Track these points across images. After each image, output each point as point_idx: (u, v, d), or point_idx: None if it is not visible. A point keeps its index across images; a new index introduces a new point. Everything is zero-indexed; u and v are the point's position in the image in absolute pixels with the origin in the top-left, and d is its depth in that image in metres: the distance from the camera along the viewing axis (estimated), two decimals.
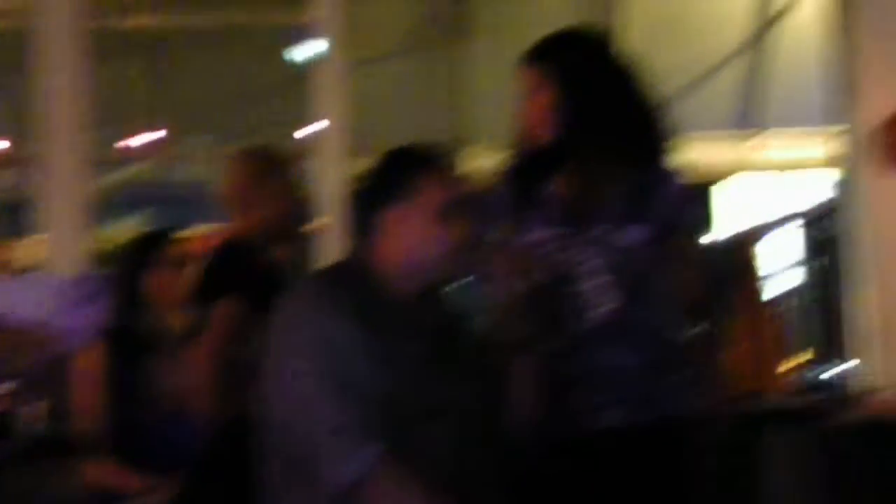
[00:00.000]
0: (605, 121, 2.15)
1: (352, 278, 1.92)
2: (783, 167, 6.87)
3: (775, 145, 6.47)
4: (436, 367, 1.92)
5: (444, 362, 1.94)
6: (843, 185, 4.30)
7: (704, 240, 2.33)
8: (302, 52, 4.45)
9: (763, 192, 7.77)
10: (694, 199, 2.23)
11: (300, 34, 4.36)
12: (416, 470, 1.80)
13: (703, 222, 2.27)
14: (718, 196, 7.76)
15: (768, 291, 5.74)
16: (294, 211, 2.65)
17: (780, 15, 5.87)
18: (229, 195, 2.69)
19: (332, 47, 4.18)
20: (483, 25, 5.77)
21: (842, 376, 4.74)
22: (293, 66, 4.90)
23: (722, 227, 8.07)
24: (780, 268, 8.27)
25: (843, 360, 4.50)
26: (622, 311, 2.14)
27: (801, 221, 8.43)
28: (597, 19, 5.25)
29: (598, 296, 2.15)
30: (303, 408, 1.82)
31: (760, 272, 5.66)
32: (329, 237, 3.93)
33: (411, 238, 1.92)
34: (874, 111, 4.02)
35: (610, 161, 2.16)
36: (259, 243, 2.57)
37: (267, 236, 2.61)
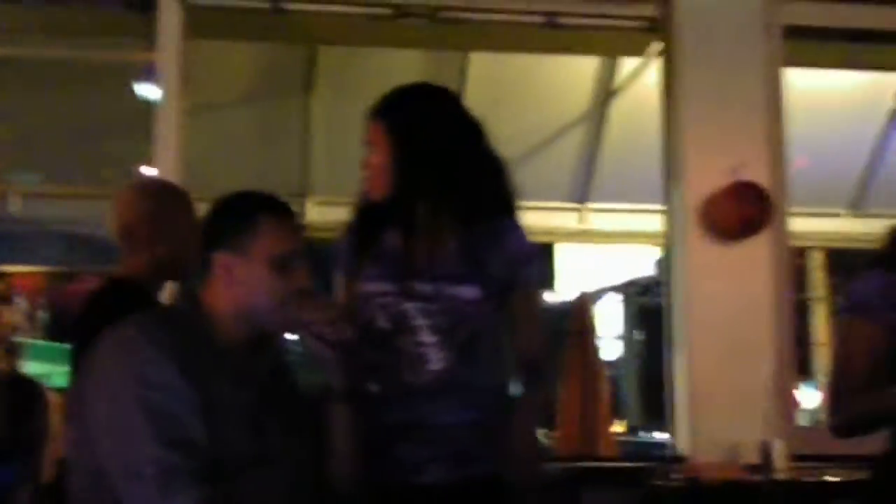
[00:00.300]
0: (438, 177, 2.18)
1: (178, 321, 1.88)
2: (613, 239, 7.08)
3: (606, 218, 6.66)
4: (262, 415, 1.89)
5: (271, 411, 1.91)
6: (665, 260, 4.46)
7: (543, 300, 2.36)
8: (148, 90, 4.36)
9: (592, 262, 8.00)
10: (533, 257, 2.27)
11: (147, 71, 4.27)
12: None
13: (542, 281, 2.31)
14: (550, 262, 7.97)
15: (601, 355, 5.90)
16: (190, 251, 2.48)
17: (618, 90, 6.10)
18: (124, 229, 2.50)
19: (166, 93, 4.11)
20: (329, 79, 5.78)
21: (662, 441, 4.88)
22: (139, 103, 4.79)
23: (553, 292, 8.27)
24: (608, 335, 8.53)
25: (663, 426, 4.64)
26: (452, 369, 2.15)
27: (627, 292, 8.73)
28: (442, 80, 5.35)
29: (428, 352, 2.16)
30: (117, 451, 1.76)
31: (596, 336, 5.82)
32: None
33: (243, 285, 1.89)
34: (695, 190, 4.20)
35: (442, 217, 2.19)
36: (150, 284, 2.43)
37: (159, 277, 2.47)
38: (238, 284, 1.89)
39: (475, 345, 2.17)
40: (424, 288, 2.16)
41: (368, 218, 2.26)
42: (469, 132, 2.25)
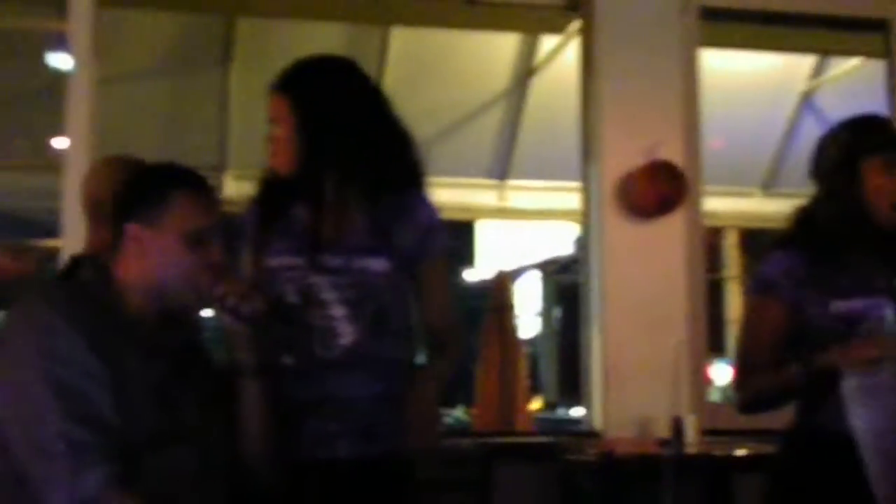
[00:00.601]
0: (343, 150, 2.16)
1: (87, 294, 1.85)
2: (533, 216, 7.12)
3: (526, 195, 6.69)
4: (174, 391, 1.86)
5: (184, 387, 1.89)
6: (583, 238, 4.50)
7: (450, 272, 2.36)
8: (60, 60, 4.24)
9: (512, 240, 8.05)
10: (441, 229, 2.27)
11: (59, 40, 4.16)
12: (146, 497, 1.73)
13: (450, 253, 2.30)
14: (470, 240, 8.00)
15: (519, 333, 5.94)
16: None
17: (538, 68, 6.12)
18: (93, 204, 2.44)
19: (78, 63, 4.01)
20: (248, 51, 5.71)
21: (579, 417, 4.95)
22: (51, 73, 4.68)
23: (473, 270, 8.31)
24: (527, 313, 8.59)
25: (580, 402, 4.70)
26: (361, 342, 2.14)
27: (546, 270, 8.80)
28: (363, 54, 5.32)
29: (338, 326, 2.15)
30: (25, 427, 1.73)
31: (515, 313, 5.86)
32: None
33: (154, 258, 1.87)
34: (612, 169, 4.24)
35: (349, 190, 2.18)
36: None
37: None
38: (149, 258, 1.86)
39: (385, 317, 2.17)
40: (334, 261, 2.16)
41: (274, 192, 2.24)
42: (374, 104, 2.24)
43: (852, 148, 2.37)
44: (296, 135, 2.16)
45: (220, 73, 5.80)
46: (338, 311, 2.14)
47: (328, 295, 2.14)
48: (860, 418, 2.14)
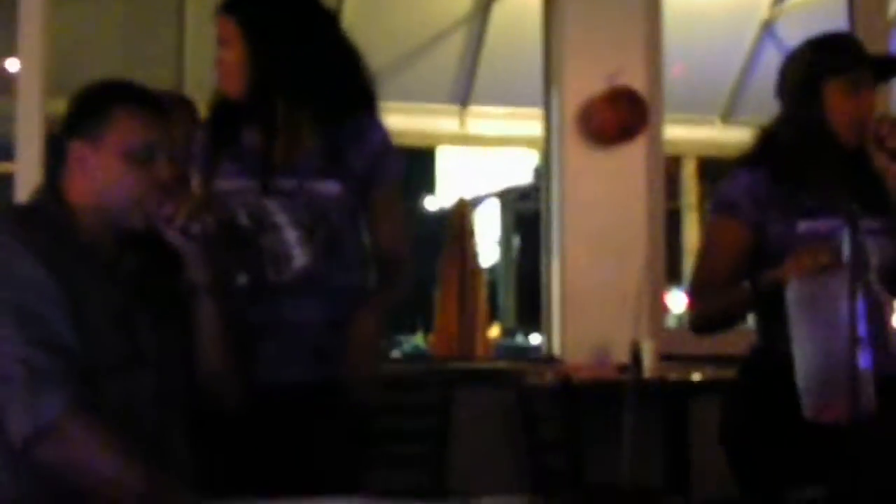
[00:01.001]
0: (294, 72, 2.13)
1: (41, 217, 1.81)
2: (494, 143, 7.09)
3: (487, 122, 6.65)
4: (133, 313, 1.84)
5: (143, 309, 1.86)
6: (544, 165, 4.50)
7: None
8: None
9: (473, 167, 8.04)
10: (395, 153, 2.24)
11: None
12: (106, 421, 1.72)
13: (404, 178, 2.28)
14: (430, 167, 7.97)
15: (479, 260, 5.96)
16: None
17: None
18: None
19: None
20: None
21: (537, 344, 4.99)
22: None
23: (433, 197, 8.30)
24: (486, 241, 8.62)
25: (538, 329, 4.74)
26: (314, 266, 2.13)
27: (506, 198, 8.81)
28: None
29: (291, 250, 2.13)
30: None
31: (475, 240, 5.87)
32: (25, 181, 3.71)
33: (97, 176, 1.82)
34: (573, 95, 4.22)
35: (301, 113, 2.15)
36: None
37: None
38: (92, 176, 1.82)
39: (338, 242, 2.16)
40: (286, 183, 2.14)
41: (224, 115, 2.21)
42: (325, 26, 2.20)
43: (816, 67, 2.34)
44: (245, 58, 2.13)
45: None
46: (290, 235, 2.13)
47: (280, 218, 2.13)
48: (800, 328, 2.12)
